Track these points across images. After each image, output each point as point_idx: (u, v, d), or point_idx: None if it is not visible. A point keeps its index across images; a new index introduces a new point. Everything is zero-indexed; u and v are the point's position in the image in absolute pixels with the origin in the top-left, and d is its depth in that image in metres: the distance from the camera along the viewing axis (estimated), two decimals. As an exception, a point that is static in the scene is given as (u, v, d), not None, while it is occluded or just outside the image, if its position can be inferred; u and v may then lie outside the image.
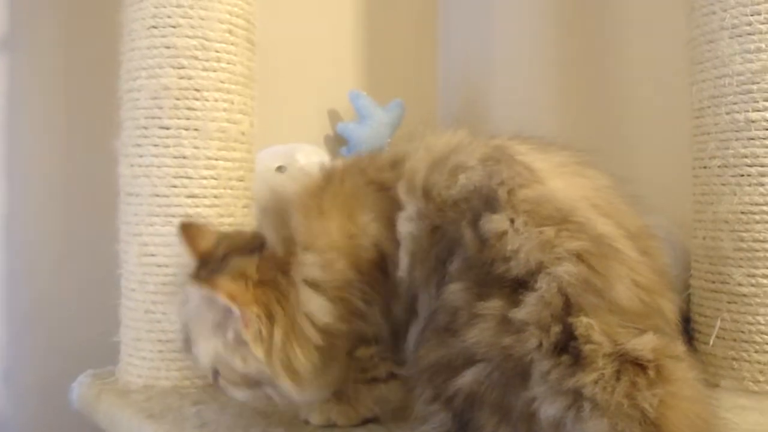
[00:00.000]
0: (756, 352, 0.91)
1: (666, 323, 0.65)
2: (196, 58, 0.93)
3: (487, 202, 0.67)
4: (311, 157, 1.17)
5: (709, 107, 0.95)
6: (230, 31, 0.96)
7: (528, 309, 0.61)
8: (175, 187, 0.93)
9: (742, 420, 0.83)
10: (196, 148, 0.94)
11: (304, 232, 0.74)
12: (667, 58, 1.18)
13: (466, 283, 0.66)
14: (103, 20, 1.06)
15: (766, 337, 0.90)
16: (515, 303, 0.61)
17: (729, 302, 0.93)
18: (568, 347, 0.59)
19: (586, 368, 0.58)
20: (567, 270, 0.61)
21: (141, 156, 0.94)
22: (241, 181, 0.98)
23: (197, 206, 0.94)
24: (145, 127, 0.94)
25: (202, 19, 0.93)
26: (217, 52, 0.95)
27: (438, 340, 0.67)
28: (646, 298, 0.63)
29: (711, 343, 0.94)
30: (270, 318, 0.71)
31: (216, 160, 0.95)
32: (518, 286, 0.62)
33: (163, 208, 0.93)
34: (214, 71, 0.95)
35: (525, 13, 1.47)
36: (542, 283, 0.61)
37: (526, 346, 0.60)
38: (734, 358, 0.92)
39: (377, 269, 0.75)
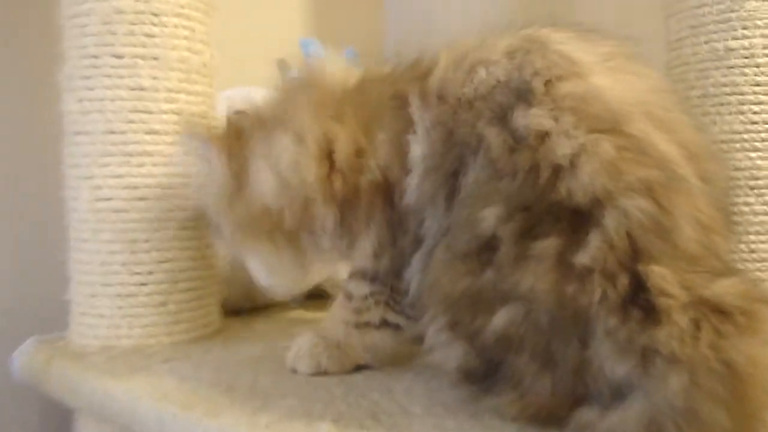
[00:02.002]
0: (739, 280, 0.91)
1: (722, 266, 0.56)
2: (153, -23, 0.84)
3: (518, 95, 0.59)
4: (269, 101, 1.09)
5: (687, 37, 0.94)
6: (189, -49, 0.87)
7: (592, 252, 0.53)
8: (132, 122, 0.83)
9: None
10: (154, 78, 0.84)
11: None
12: None
13: (503, 207, 0.57)
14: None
15: (748, 264, 0.91)
16: (576, 242, 0.53)
17: (711, 232, 0.93)
18: (637, 300, 0.52)
19: (660, 324, 0.51)
20: (638, 205, 0.53)
21: (91, 89, 0.83)
22: (204, 117, 0.89)
23: (157, 144, 0.84)
24: (96, 56, 0.83)
25: (159, -65, 0.84)
26: (177, -27, 0.85)
27: (464, 267, 0.59)
28: (704, 238, 0.55)
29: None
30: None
31: (177, 92, 0.85)
32: (579, 218, 0.53)
33: (119, 147, 0.83)
34: (174, -6, 0.85)
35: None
36: (609, 219, 0.53)
37: (590, 298, 0.52)
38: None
39: (380, 195, 0.69)
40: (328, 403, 0.65)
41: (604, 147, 0.55)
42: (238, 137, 0.75)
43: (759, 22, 0.90)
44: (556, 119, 0.57)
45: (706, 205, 0.56)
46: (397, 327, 0.74)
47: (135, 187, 0.83)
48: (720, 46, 0.91)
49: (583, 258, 0.53)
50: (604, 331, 0.52)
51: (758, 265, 0.90)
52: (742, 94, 0.90)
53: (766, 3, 0.89)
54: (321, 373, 0.74)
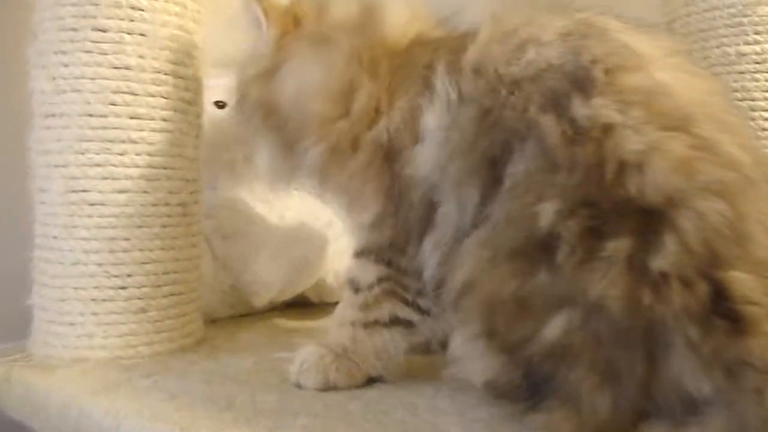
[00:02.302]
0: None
1: None
2: (143, -55, 0.75)
3: (574, 81, 0.54)
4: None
5: (696, 41, 0.92)
6: None
7: (669, 257, 0.48)
8: (114, 105, 0.74)
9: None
10: (141, 57, 0.75)
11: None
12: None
13: (562, 202, 0.51)
14: None
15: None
16: (649, 245, 0.49)
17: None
18: (720, 309, 0.47)
19: (748, 334, 0.47)
20: (714, 208, 0.49)
21: (67, 66, 0.74)
22: (193, 105, 0.81)
23: (142, 129, 0.75)
24: (75, 29, 0.73)
25: None
26: (168, -62, 0.77)
27: (511, 267, 0.53)
28: None
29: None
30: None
31: (166, 74, 0.77)
32: (650, 218, 0.49)
33: (98, 132, 0.74)
34: (164, -36, 0.77)
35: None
36: (685, 220, 0.49)
37: (669, 306, 0.48)
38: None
39: (380, 158, 0.65)
40: (348, 422, 0.59)
41: (676, 145, 0.51)
42: (293, 26, 0.73)
43: (771, 28, 0.89)
44: (622, 112, 0.52)
45: None
46: (409, 325, 0.68)
47: (115, 178, 0.74)
48: (731, 50, 0.89)
49: (659, 262, 0.48)
50: (685, 343, 0.48)
51: None
52: (753, 99, 0.89)
53: (779, 8, 0.88)
54: (330, 388, 0.67)
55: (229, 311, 0.95)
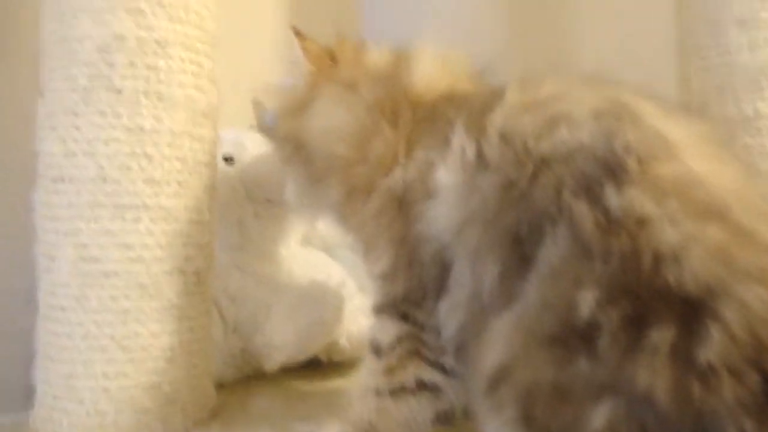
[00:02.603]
0: None
1: None
2: (160, 3, 0.72)
3: (607, 168, 0.53)
4: (261, 147, 0.97)
5: (713, 97, 0.91)
6: (199, -25, 0.76)
7: (716, 347, 0.46)
8: (128, 169, 0.70)
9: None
10: (157, 120, 0.72)
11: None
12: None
13: (601, 291, 0.49)
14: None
15: None
16: (693, 335, 0.47)
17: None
18: None
19: None
20: (757, 295, 0.47)
21: (79, 128, 0.70)
22: (208, 167, 0.77)
23: (157, 195, 0.72)
24: (87, 90, 0.70)
25: (168, -46, 0.73)
26: (186, -1, 0.74)
27: (550, 354, 0.51)
28: None
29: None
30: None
31: (182, 137, 0.73)
32: (691, 308, 0.47)
33: (112, 198, 0.70)
34: (182, 24, 0.73)
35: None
36: (727, 310, 0.47)
37: (720, 398, 0.45)
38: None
39: (394, 207, 0.65)
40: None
41: (713, 234, 0.49)
42: (330, 66, 0.76)
43: (788, 87, 0.88)
44: (657, 204, 0.51)
45: None
46: (435, 389, 0.65)
47: (129, 246, 0.70)
48: (749, 108, 0.89)
49: (706, 352, 0.46)
50: None
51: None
52: (771, 159, 0.88)
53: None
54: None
55: (238, 374, 0.91)
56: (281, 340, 0.86)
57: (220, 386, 0.89)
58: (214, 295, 0.88)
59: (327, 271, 0.95)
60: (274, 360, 0.87)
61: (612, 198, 0.52)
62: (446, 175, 0.61)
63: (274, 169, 0.92)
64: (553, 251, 0.53)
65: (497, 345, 0.55)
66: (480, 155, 0.59)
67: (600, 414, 0.48)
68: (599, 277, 0.50)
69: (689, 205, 0.51)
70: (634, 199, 0.51)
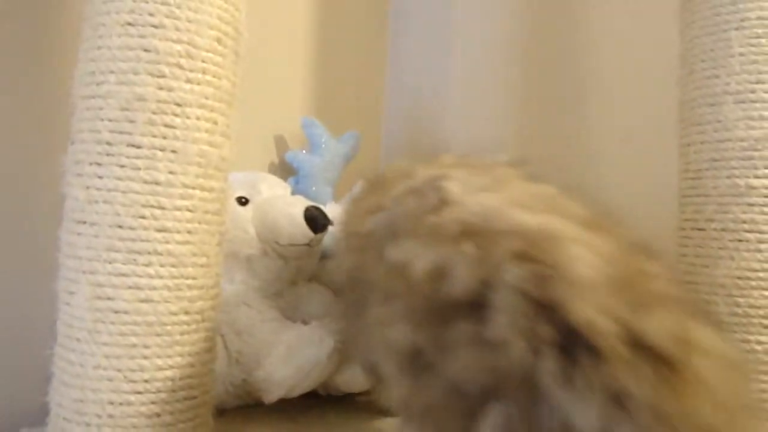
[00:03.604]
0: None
1: (655, 281, 0.54)
2: (180, 66, 0.78)
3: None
4: (275, 189, 1.04)
5: (708, 170, 0.94)
6: (219, 40, 0.82)
7: (498, 325, 0.51)
8: (143, 218, 0.77)
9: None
10: (172, 173, 0.78)
11: None
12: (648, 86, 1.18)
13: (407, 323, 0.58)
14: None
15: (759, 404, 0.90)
16: (481, 321, 0.52)
17: (722, 368, 0.92)
18: (573, 345, 0.49)
19: (604, 359, 0.47)
20: (512, 272, 0.51)
21: (101, 177, 0.77)
22: (217, 215, 0.84)
23: (168, 242, 0.78)
24: (110, 144, 0.77)
25: (190, 21, 0.79)
26: (204, 62, 0.80)
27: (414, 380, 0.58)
28: (613, 264, 0.52)
29: (703, 408, 0.92)
30: None
31: (193, 188, 0.80)
32: (473, 305, 0.53)
33: (127, 243, 0.77)
34: (199, 84, 0.80)
35: (476, 44, 1.44)
36: (497, 295, 0.52)
37: (521, 359, 0.50)
38: (725, 425, 0.91)
39: None
40: None
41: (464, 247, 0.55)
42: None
43: (781, 164, 0.91)
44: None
45: (606, 243, 0.54)
46: None
47: (140, 288, 0.77)
48: (741, 182, 0.92)
49: (492, 331, 0.51)
50: (552, 379, 0.49)
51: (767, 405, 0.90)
52: (760, 232, 0.91)
53: (790, 147, 0.91)
54: None
55: (237, 402, 0.97)
56: (280, 377, 0.92)
57: (222, 412, 0.96)
58: (220, 327, 0.95)
59: (329, 309, 1.01)
60: (272, 394, 0.93)
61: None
62: None
63: (282, 213, 0.99)
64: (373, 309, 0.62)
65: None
66: None
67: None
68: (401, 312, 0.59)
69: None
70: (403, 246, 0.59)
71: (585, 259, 0.51)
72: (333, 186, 1.21)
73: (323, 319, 0.97)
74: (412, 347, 0.57)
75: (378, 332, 0.61)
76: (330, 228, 1.02)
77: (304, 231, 0.97)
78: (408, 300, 0.58)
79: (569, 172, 1.32)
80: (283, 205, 0.99)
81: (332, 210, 1.04)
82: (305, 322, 0.99)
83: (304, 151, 1.23)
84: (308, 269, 1.05)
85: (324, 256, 1.07)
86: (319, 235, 0.99)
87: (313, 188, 1.18)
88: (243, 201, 1.00)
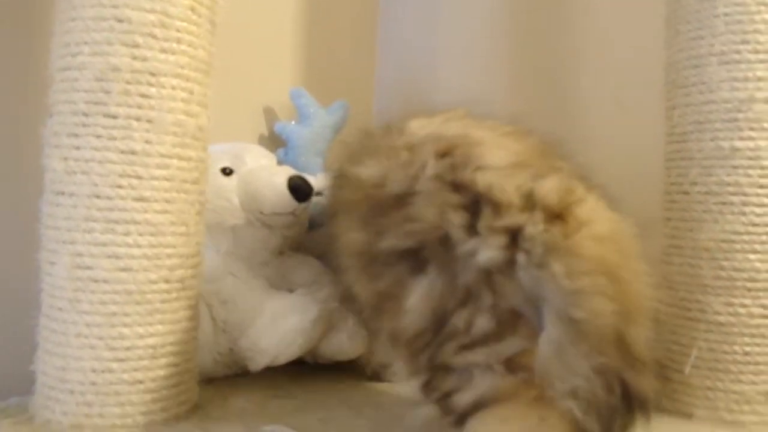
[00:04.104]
0: (731, 381, 0.90)
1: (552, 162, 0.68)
2: (153, 36, 0.78)
3: None
4: (260, 159, 1.04)
5: (692, 132, 0.93)
6: (193, 8, 0.82)
7: (418, 203, 0.64)
8: (120, 187, 0.78)
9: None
10: (148, 142, 0.79)
11: None
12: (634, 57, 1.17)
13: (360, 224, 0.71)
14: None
15: (741, 366, 0.90)
16: (407, 205, 0.65)
17: (706, 331, 0.91)
18: (477, 204, 0.61)
19: (502, 207, 0.60)
20: (433, 165, 0.65)
21: (78, 148, 0.78)
22: (196, 183, 0.84)
23: (146, 211, 0.79)
24: (86, 114, 0.78)
25: (163, -9, 0.79)
26: (178, 31, 0.80)
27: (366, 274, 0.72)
28: (521, 156, 0.66)
29: (687, 371, 0.92)
30: None
31: (170, 158, 0.80)
32: (400, 201, 0.66)
33: (105, 213, 0.78)
34: (174, 54, 0.80)
35: (467, 13, 1.42)
36: (419, 185, 0.65)
37: (435, 221, 0.63)
38: (709, 388, 0.91)
39: None
40: None
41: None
42: None
43: (766, 125, 0.90)
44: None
45: (516, 143, 0.69)
46: None
47: (118, 257, 0.78)
48: (726, 145, 0.91)
49: (414, 209, 0.65)
50: (461, 232, 0.62)
51: (752, 368, 0.90)
52: (745, 195, 0.90)
53: (775, 107, 0.89)
54: None
55: (226, 371, 0.99)
56: (265, 345, 0.93)
57: (210, 381, 0.97)
58: (206, 297, 0.96)
59: (316, 279, 1.01)
60: (257, 363, 0.94)
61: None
62: None
63: (265, 183, 0.99)
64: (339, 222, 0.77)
65: None
66: None
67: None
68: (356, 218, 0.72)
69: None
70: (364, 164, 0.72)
71: (495, 153, 0.65)
72: (323, 156, 1.21)
73: (310, 287, 0.98)
74: (363, 244, 0.70)
75: (342, 239, 0.75)
76: (317, 198, 1.02)
77: (288, 200, 0.98)
78: (360, 206, 0.71)
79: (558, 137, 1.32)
80: (267, 174, 0.99)
81: (322, 180, 1.04)
82: (292, 292, 1.00)
83: (293, 122, 1.23)
84: (295, 239, 1.06)
85: (312, 227, 1.07)
86: (303, 205, 0.99)
87: (303, 159, 1.18)
88: (227, 171, 1.00)
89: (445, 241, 0.62)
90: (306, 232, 1.07)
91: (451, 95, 1.36)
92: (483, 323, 0.61)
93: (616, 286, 0.57)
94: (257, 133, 1.27)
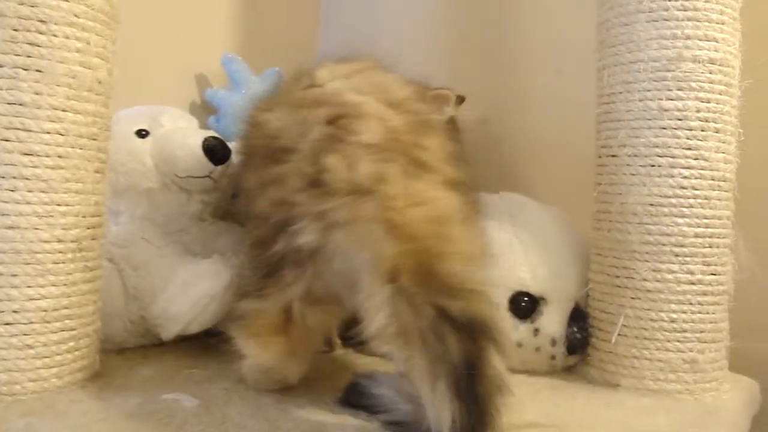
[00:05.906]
0: (658, 349, 0.87)
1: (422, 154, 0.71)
2: (44, -19, 0.75)
3: None
4: (178, 122, 1.00)
5: (621, 93, 0.90)
6: (89, -47, 0.78)
7: (289, 163, 0.71)
8: (7, 140, 0.74)
9: (652, 423, 0.79)
10: (37, 93, 0.74)
11: None
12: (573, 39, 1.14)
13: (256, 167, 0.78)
14: None
15: (668, 334, 0.87)
16: (285, 162, 0.72)
17: (633, 298, 0.88)
18: (319, 182, 0.68)
19: (330, 194, 0.67)
20: (317, 131, 0.71)
21: (-40, 99, 0.74)
22: (94, 139, 0.80)
23: (36, 166, 0.75)
24: (-30, 63, 0.74)
25: (54, -69, 0.75)
26: (72, -22, 0.76)
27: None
28: (396, 137, 0.70)
29: (613, 340, 0.89)
30: None
31: (63, 111, 0.76)
32: (282, 158, 0.72)
33: (-10, 167, 0.74)
34: (67, 1, 0.76)
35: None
36: (300, 145, 0.71)
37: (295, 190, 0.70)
38: (635, 356, 0.88)
39: None
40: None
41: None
42: None
43: (693, 84, 0.87)
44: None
45: (400, 120, 0.72)
46: None
47: (5, 214, 0.74)
48: (654, 105, 0.87)
49: (282, 169, 0.72)
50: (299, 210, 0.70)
51: (678, 335, 0.87)
52: (673, 156, 0.87)
53: (701, 65, 0.86)
54: None
55: (139, 340, 0.95)
56: (176, 311, 0.89)
57: (121, 350, 0.93)
58: (118, 262, 0.92)
59: (232, 245, 0.98)
60: (169, 330, 0.90)
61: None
62: None
63: (179, 144, 0.95)
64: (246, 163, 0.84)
65: None
66: None
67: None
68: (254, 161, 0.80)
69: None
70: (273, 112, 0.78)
71: (372, 129, 0.70)
72: (255, 124, 1.16)
73: (225, 254, 0.94)
74: (254, 185, 0.77)
75: (244, 179, 0.81)
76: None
77: (203, 162, 0.94)
78: (259, 151, 0.77)
79: (501, 106, 1.29)
80: (181, 136, 0.95)
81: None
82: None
83: (224, 89, 1.19)
84: (217, 205, 1.02)
85: (236, 195, 1.03)
86: (220, 167, 0.96)
87: (234, 126, 1.14)
88: (143, 134, 0.96)
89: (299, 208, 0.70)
90: (229, 199, 1.03)
91: (393, 62, 1.32)
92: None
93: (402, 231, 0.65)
94: (188, 100, 1.22)
